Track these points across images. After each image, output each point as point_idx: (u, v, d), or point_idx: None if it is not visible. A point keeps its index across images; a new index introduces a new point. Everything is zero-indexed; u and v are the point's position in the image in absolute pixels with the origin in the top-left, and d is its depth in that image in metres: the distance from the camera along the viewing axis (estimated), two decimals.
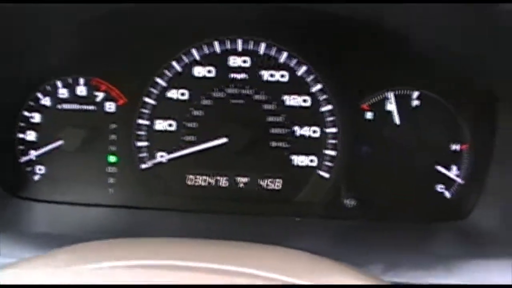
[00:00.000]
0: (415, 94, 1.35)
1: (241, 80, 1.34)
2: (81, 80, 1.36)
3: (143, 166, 1.36)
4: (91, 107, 1.36)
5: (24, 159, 1.38)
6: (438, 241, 1.30)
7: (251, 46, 1.33)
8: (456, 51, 1.23)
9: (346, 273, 0.87)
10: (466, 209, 1.30)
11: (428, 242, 1.27)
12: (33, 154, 1.37)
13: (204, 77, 1.34)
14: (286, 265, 0.87)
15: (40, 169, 1.39)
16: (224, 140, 1.31)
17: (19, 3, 1.06)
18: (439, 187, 1.36)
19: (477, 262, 1.11)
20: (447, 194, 1.35)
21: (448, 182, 1.35)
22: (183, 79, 1.34)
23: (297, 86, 1.34)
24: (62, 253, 0.93)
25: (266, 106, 1.34)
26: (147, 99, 1.35)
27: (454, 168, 1.34)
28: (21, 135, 1.38)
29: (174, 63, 1.34)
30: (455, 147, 1.34)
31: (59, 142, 1.34)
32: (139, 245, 0.95)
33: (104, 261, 0.85)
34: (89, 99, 1.36)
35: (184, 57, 1.34)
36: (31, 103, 1.38)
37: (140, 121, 1.35)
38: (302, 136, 1.35)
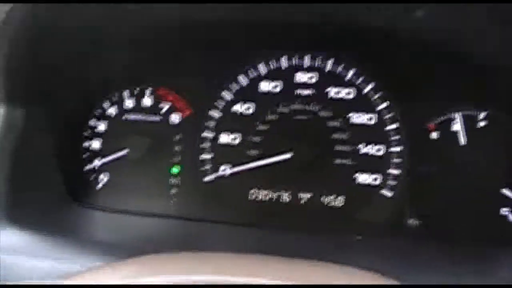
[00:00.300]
0: (482, 114, 1.32)
1: (307, 96, 1.34)
2: (147, 91, 1.38)
3: (206, 178, 1.37)
4: (156, 118, 1.38)
5: (89, 167, 1.41)
6: (500, 267, 1.27)
7: (318, 62, 1.33)
8: None
9: None
10: None
11: (490, 267, 1.24)
12: (97, 162, 1.40)
13: (270, 92, 1.35)
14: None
15: (103, 178, 1.41)
16: (288, 155, 1.31)
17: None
18: (504, 211, 1.33)
19: None
20: None
21: None
22: (249, 93, 1.35)
23: (363, 103, 1.33)
24: (129, 264, 0.94)
25: (331, 123, 1.33)
26: (212, 112, 1.36)
27: None
28: (86, 144, 1.41)
29: (241, 77, 1.35)
30: None
31: (124, 151, 1.36)
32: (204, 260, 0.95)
33: (168, 274, 0.85)
34: (154, 109, 1.38)
35: (251, 72, 1.35)
36: (97, 112, 1.40)
37: (205, 134, 1.37)
38: (366, 154, 1.33)
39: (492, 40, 1.13)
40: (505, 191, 1.32)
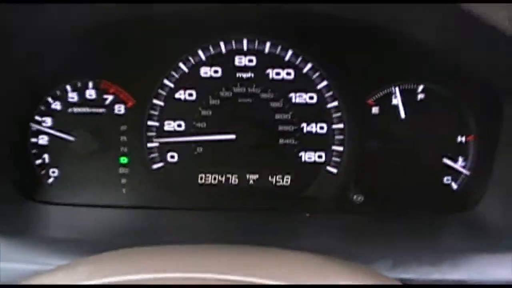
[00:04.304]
0: (420, 87, 1.36)
1: (248, 79, 1.35)
2: (90, 84, 1.38)
3: (154, 166, 1.39)
4: (101, 110, 1.39)
5: (38, 162, 1.41)
6: (446, 235, 1.31)
7: (256, 45, 1.35)
8: (455, 45, 1.23)
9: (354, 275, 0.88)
10: (472, 201, 1.32)
11: (436, 236, 1.28)
12: (46, 157, 1.41)
13: (211, 77, 1.36)
14: (292, 270, 0.88)
15: (54, 172, 1.41)
16: (233, 137, 1.33)
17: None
18: (446, 180, 1.37)
19: (483, 255, 1.11)
20: (454, 186, 1.37)
21: (455, 174, 1.37)
22: (190, 80, 1.36)
23: (303, 83, 1.35)
24: (82, 264, 0.94)
25: (273, 104, 1.36)
26: (155, 101, 1.37)
27: (461, 159, 1.36)
28: (34, 140, 1.41)
29: (181, 64, 1.36)
30: (461, 139, 1.36)
31: (72, 145, 1.37)
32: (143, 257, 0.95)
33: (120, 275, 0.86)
34: (98, 102, 1.38)
35: (190, 58, 1.35)
36: (43, 108, 1.40)
37: (150, 123, 1.38)
38: (309, 132, 1.37)
39: (430, 25, 1.14)
40: (446, 161, 1.37)
